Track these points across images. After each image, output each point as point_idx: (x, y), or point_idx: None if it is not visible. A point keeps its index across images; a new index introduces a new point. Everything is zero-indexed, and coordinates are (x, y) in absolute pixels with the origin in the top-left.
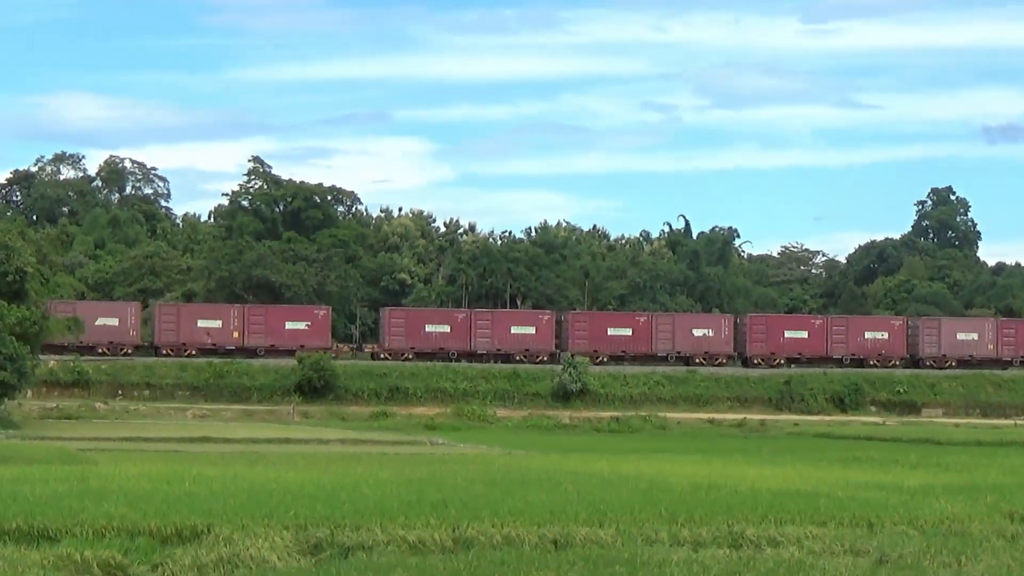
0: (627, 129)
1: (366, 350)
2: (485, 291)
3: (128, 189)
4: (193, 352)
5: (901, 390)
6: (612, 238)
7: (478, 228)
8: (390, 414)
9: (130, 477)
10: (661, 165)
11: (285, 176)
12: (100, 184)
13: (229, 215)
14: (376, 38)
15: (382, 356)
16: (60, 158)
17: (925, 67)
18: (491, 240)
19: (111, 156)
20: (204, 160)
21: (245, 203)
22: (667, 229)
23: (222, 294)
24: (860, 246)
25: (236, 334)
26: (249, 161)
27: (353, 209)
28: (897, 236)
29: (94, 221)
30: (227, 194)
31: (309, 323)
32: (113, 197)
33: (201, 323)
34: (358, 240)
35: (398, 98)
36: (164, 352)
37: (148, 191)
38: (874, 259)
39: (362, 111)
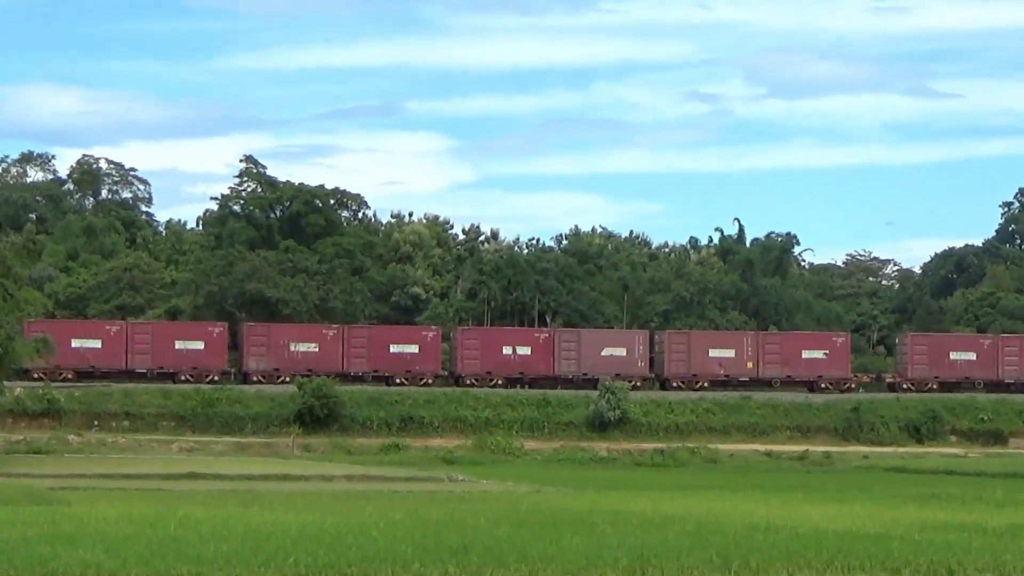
0: (670, 123)
1: (885, 379)
2: (510, 307)
3: (104, 193)
4: (705, 384)
5: (985, 418)
6: (654, 246)
7: (501, 235)
8: (403, 447)
9: (108, 519)
10: (709, 163)
11: (282, 177)
12: (72, 187)
13: (218, 222)
14: (385, 21)
15: (904, 387)
16: (26, 158)
17: (1011, 50)
18: (516, 249)
19: (84, 155)
20: (190, 160)
21: (237, 208)
22: (717, 236)
23: (210, 311)
24: (937, 254)
25: (750, 364)
26: (241, 161)
27: (359, 214)
28: (979, 242)
29: (66, 229)
30: (216, 198)
31: (827, 351)
32: (87, 202)
33: (713, 352)
34: (365, 250)
35: (410, 89)
36: (675, 385)
37: (127, 195)
38: (952, 269)
39: (369, 103)
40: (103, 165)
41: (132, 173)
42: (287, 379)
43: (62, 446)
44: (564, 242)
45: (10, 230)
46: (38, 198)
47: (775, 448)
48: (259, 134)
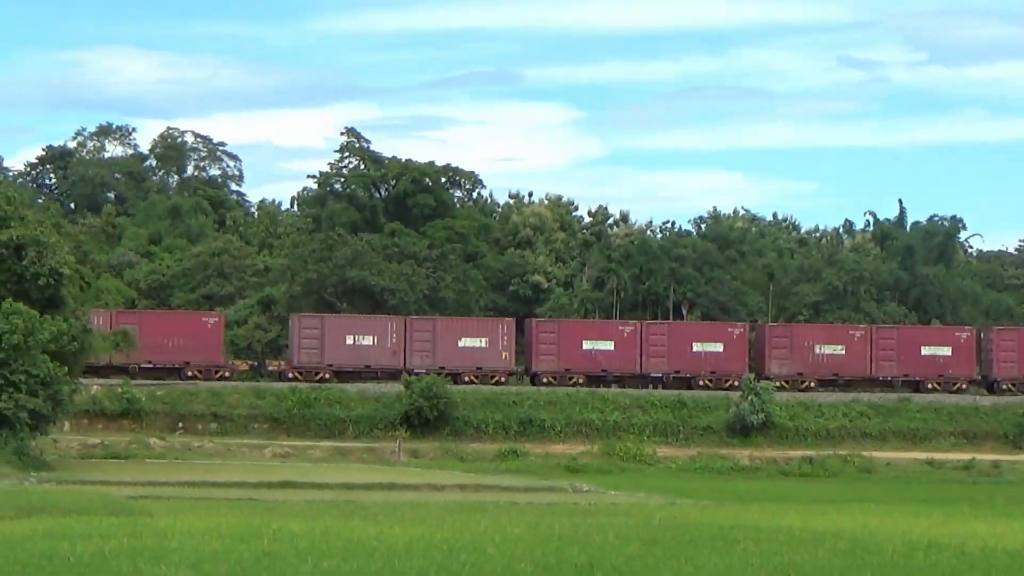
0: (820, 92)
1: None
2: (642, 297)
3: (189, 170)
4: None
5: None
6: (803, 230)
7: (632, 218)
8: (521, 453)
9: (194, 533)
10: (864, 137)
11: (387, 153)
12: (154, 163)
13: (316, 202)
14: None
15: None
16: (104, 131)
17: None
18: (649, 233)
19: (168, 128)
20: (284, 133)
21: (337, 187)
22: (872, 219)
23: (308, 301)
24: None
25: None
26: (341, 134)
27: (473, 194)
28: None
29: (148, 210)
30: (314, 175)
31: None
32: (171, 180)
33: None
34: (480, 233)
35: (529, 53)
36: None
37: (214, 172)
38: None
39: (484, 70)
40: (188, 139)
41: (220, 148)
42: (812, 384)
43: (143, 450)
44: (702, 226)
45: (87, 211)
46: (117, 175)
47: (937, 456)
48: (361, 104)
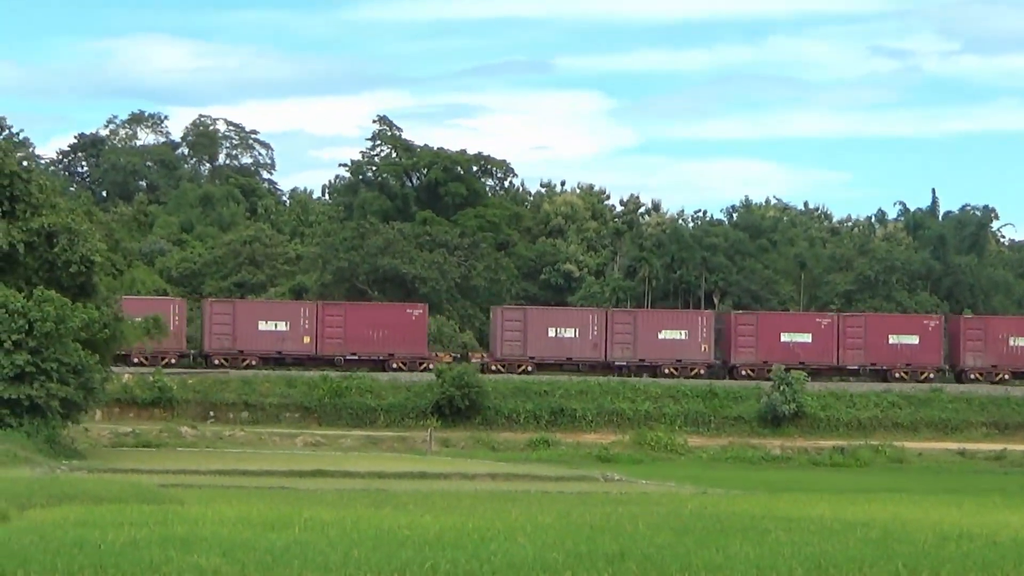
0: (853, 81)
1: None
2: (673, 286)
3: (222, 158)
4: None
5: None
6: (835, 220)
7: (664, 207)
8: (552, 442)
9: (225, 521)
10: (897, 127)
11: (419, 141)
12: (187, 151)
13: (348, 190)
14: None
15: None
16: (136, 119)
17: None
18: (680, 222)
19: (200, 116)
20: (316, 121)
21: (369, 175)
22: (904, 208)
23: (340, 289)
24: None
25: None
26: (373, 122)
27: (505, 183)
28: None
29: (179, 198)
30: (346, 164)
31: None
32: (203, 168)
33: None
34: (512, 222)
35: (563, 42)
36: None
37: (246, 160)
38: None
39: (517, 59)
40: (220, 127)
41: (252, 136)
42: (1006, 376)
43: (174, 439)
44: (734, 215)
45: (119, 199)
46: (149, 163)
47: (969, 447)
48: (394, 92)
